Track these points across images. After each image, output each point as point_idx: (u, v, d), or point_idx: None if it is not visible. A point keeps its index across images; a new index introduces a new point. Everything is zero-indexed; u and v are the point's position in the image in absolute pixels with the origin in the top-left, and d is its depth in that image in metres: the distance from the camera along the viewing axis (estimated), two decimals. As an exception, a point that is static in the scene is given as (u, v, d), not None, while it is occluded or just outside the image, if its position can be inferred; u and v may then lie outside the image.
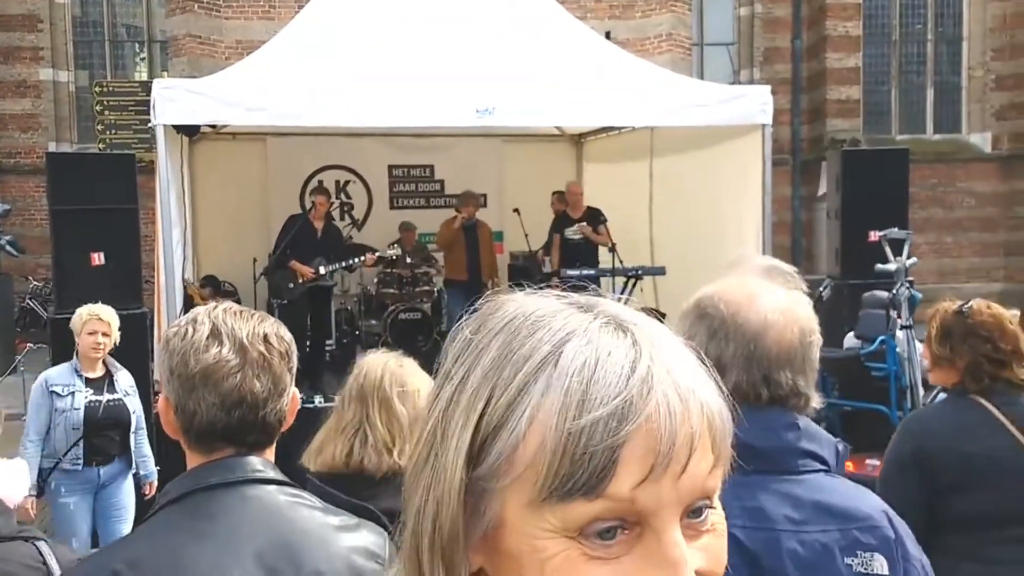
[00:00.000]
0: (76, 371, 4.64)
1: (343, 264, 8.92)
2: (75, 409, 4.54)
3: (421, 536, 0.62)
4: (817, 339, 1.41)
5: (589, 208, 9.17)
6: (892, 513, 1.37)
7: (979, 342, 2.59)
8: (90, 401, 4.59)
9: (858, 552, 1.30)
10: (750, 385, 1.34)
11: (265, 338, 1.40)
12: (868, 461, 6.06)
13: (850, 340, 6.72)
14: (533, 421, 0.57)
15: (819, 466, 1.36)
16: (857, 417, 6.44)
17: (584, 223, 9.05)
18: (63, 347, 5.68)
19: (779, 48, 16.90)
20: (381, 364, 2.13)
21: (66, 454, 4.52)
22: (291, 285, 8.49)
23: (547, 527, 0.57)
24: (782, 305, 1.38)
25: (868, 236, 7.06)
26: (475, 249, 9.31)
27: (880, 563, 1.30)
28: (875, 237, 7.06)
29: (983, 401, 2.58)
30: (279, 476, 1.39)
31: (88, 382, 4.63)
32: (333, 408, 2.19)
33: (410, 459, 0.64)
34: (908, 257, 6.36)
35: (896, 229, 6.62)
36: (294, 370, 1.45)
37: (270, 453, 1.44)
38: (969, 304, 2.68)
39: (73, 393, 4.56)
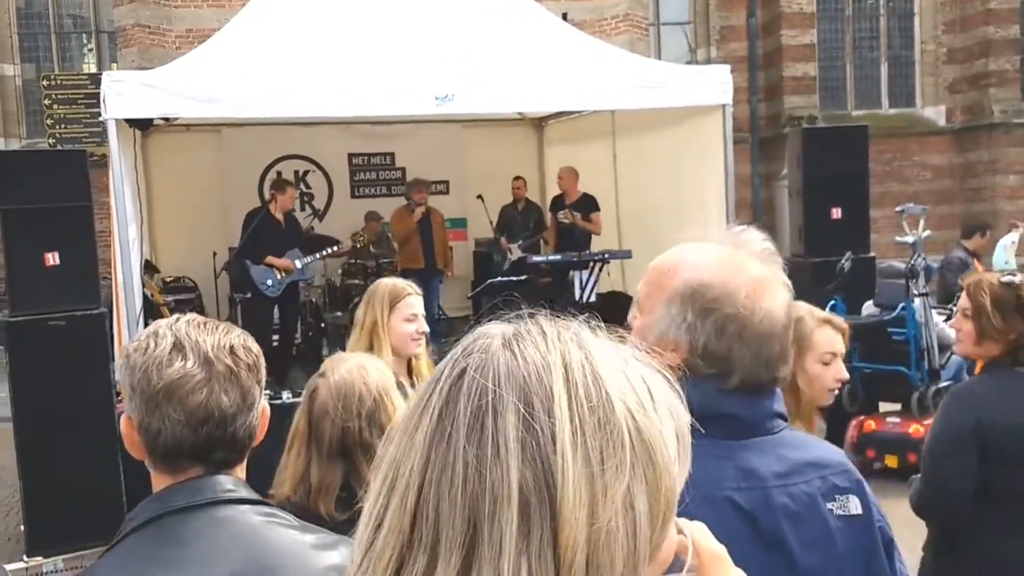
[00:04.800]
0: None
1: (318, 256, 8.84)
2: None
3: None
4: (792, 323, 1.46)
5: (584, 194, 9.19)
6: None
7: None
8: None
9: (836, 496, 1.37)
10: (754, 380, 1.37)
11: (232, 350, 1.33)
12: (889, 419, 6.63)
13: (868, 308, 7.13)
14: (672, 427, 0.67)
15: (784, 423, 1.43)
16: (878, 378, 6.89)
17: (569, 209, 9.08)
18: (20, 351, 5.55)
19: (734, 26, 16.96)
20: (352, 410, 2.01)
21: None
22: (269, 282, 8.37)
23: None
24: (780, 299, 1.39)
25: (830, 214, 7.12)
26: (429, 236, 9.39)
27: (855, 504, 1.37)
28: (837, 214, 7.15)
29: None
30: (252, 495, 1.33)
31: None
32: (292, 445, 2.09)
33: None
34: (923, 231, 6.94)
35: (912, 205, 7.27)
36: (263, 382, 1.39)
37: (241, 471, 1.37)
38: (1013, 278, 2.70)
39: None
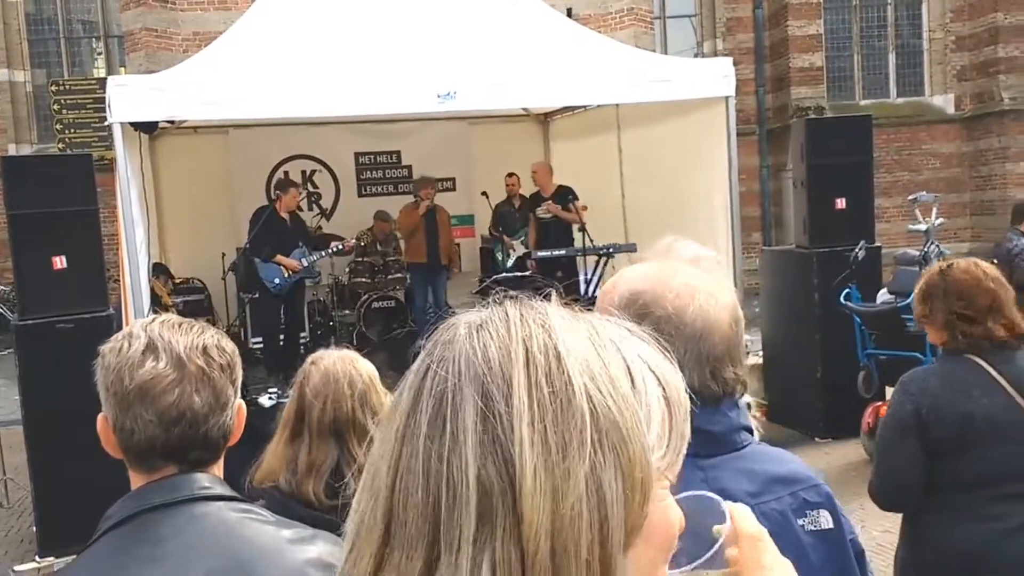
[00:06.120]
0: None
1: (324, 254, 8.88)
2: None
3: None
4: (744, 325, 1.45)
5: (560, 186, 9.19)
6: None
7: (952, 299, 2.62)
8: None
9: (807, 512, 1.37)
10: (703, 383, 1.37)
11: (204, 350, 1.34)
12: None
13: (883, 296, 7.22)
14: (659, 397, 0.66)
15: (751, 437, 1.42)
16: (893, 364, 6.85)
17: (550, 202, 9.08)
18: (29, 354, 5.60)
19: (741, 18, 16.90)
20: (345, 390, 2.04)
21: None
22: (277, 280, 8.42)
23: (665, 485, 0.66)
24: (718, 299, 1.40)
25: (835, 204, 7.11)
26: (434, 233, 9.43)
27: (826, 518, 1.37)
28: (841, 204, 7.14)
29: (979, 360, 2.60)
30: (228, 492, 1.35)
31: None
32: (280, 431, 2.10)
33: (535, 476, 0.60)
34: (936, 218, 7.07)
35: (924, 193, 7.34)
36: (238, 382, 1.40)
37: (217, 469, 1.39)
38: (952, 263, 2.72)
39: None
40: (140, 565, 1.23)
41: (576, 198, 9.01)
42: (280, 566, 1.25)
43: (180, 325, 1.38)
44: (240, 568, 1.24)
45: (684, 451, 0.67)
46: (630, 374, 0.64)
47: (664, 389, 0.66)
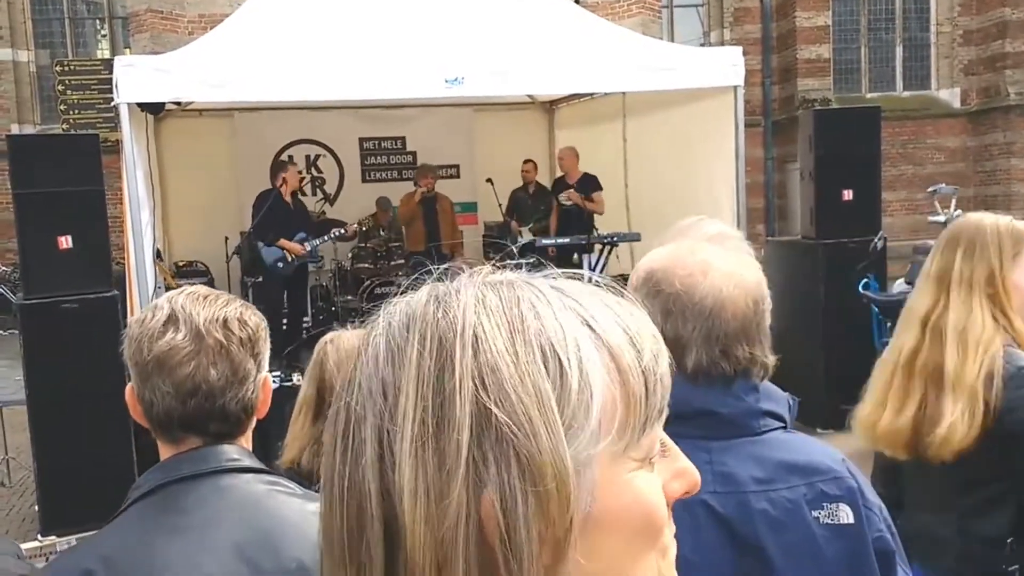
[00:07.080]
0: None
1: (326, 238, 8.87)
2: None
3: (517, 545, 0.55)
4: (768, 305, 1.41)
5: (585, 174, 9.15)
6: (851, 463, 1.40)
7: None
8: None
9: (824, 504, 1.33)
10: (712, 361, 1.35)
11: (225, 323, 1.34)
12: None
13: (899, 286, 7.31)
14: (609, 373, 0.59)
15: (777, 424, 1.39)
16: None
17: (572, 190, 9.05)
18: (33, 333, 5.60)
19: (748, 8, 16.84)
20: None
21: None
22: (280, 264, 8.42)
23: (631, 467, 0.59)
24: (735, 277, 1.37)
25: (841, 195, 7.09)
26: (434, 221, 9.38)
27: (846, 512, 1.33)
28: (848, 196, 7.12)
29: None
30: (256, 464, 1.35)
31: None
32: (303, 414, 2.10)
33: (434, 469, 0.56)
34: (955, 210, 7.23)
35: (944, 185, 7.53)
36: (261, 356, 1.39)
37: (245, 441, 1.39)
38: None
39: None
40: (167, 535, 1.24)
41: (599, 187, 8.99)
42: (306, 538, 1.25)
43: (206, 297, 1.37)
44: (266, 539, 1.25)
45: (655, 423, 0.61)
46: (559, 360, 0.57)
47: (615, 361, 0.59)
